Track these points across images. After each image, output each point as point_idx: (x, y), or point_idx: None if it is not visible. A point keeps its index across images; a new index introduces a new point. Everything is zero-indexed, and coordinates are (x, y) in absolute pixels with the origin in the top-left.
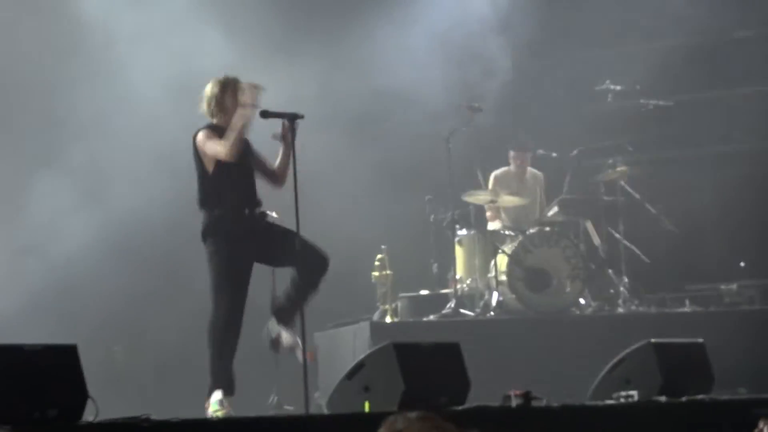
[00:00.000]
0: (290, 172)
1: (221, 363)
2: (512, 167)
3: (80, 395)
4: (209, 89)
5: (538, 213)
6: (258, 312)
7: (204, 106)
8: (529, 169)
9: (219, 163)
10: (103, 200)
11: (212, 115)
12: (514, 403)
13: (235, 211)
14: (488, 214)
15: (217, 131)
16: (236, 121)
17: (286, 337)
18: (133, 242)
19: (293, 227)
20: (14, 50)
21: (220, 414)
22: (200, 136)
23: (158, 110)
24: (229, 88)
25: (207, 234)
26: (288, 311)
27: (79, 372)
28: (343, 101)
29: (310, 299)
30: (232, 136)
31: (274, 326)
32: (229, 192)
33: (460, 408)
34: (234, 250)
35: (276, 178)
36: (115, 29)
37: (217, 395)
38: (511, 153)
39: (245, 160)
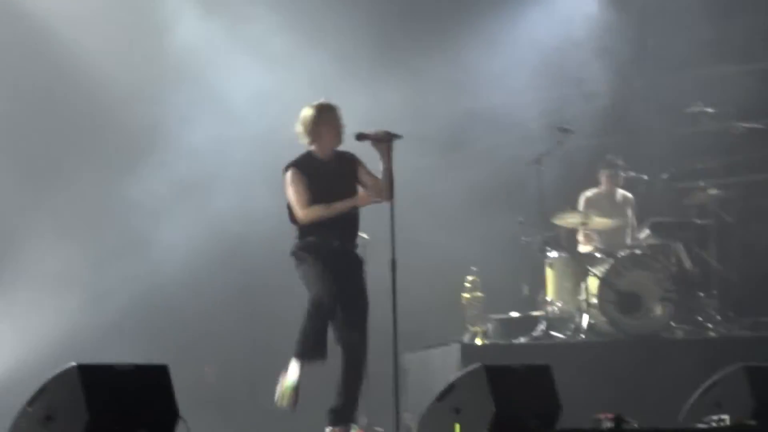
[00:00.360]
0: (394, 185)
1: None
2: (603, 188)
3: (171, 415)
4: (304, 114)
5: (630, 235)
6: None
7: (298, 130)
8: (620, 190)
9: (313, 191)
10: (196, 217)
11: (308, 142)
12: (604, 426)
13: (326, 242)
14: (580, 236)
15: (306, 166)
16: (338, 208)
17: None
18: (227, 260)
19: (387, 246)
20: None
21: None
22: (287, 176)
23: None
24: (324, 115)
25: (297, 256)
26: (341, 410)
27: (170, 392)
28: (436, 122)
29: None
30: (320, 214)
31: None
32: (321, 225)
33: (550, 431)
34: (324, 264)
35: (382, 193)
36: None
37: (295, 368)
38: (603, 173)
39: (344, 184)
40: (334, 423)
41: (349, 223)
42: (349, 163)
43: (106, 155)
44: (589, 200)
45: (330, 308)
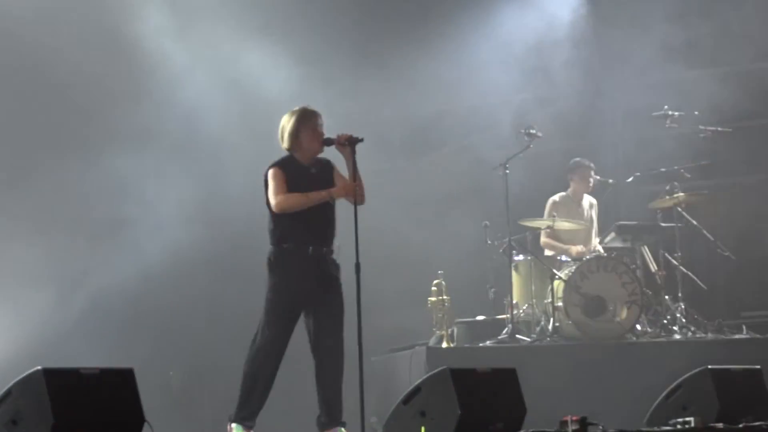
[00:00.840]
0: (363, 188)
1: (248, 394)
2: (571, 191)
3: (137, 419)
4: (285, 120)
5: (594, 239)
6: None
7: (279, 137)
8: (587, 195)
9: (291, 190)
10: (161, 223)
11: (288, 147)
12: (570, 429)
13: (301, 248)
14: (544, 240)
15: (287, 167)
16: (314, 197)
17: None
18: (195, 261)
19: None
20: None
21: None
22: (269, 173)
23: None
24: (304, 121)
25: (271, 266)
26: (327, 415)
27: (135, 395)
28: (403, 125)
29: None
30: (297, 201)
31: None
32: (297, 228)
33: None
34: (291, 288)
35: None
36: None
37: (238, 426)
38: (574, 176)
39: (322, 187)
40: (322, 428)
41: (324, 227)
42: (327, 167)
43: (75, 146)
44: (555, 205)
45: (271, 362)
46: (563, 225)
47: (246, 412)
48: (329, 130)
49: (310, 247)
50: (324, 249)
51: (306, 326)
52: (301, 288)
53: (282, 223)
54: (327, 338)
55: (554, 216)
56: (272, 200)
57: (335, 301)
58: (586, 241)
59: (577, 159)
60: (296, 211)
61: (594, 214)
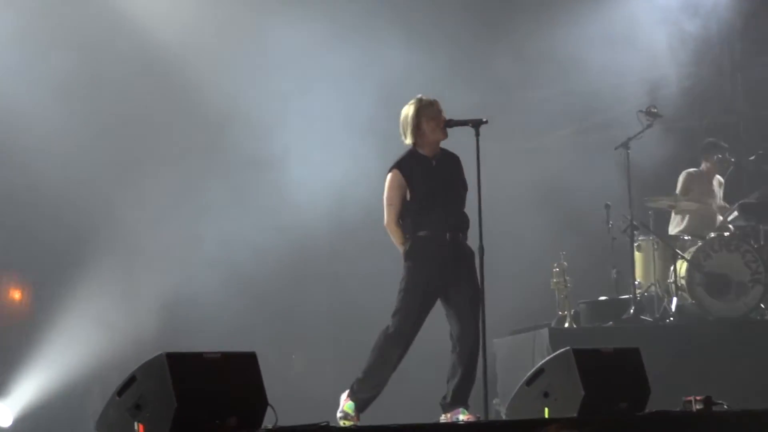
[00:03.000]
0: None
1: (371, 378)
2: (704, 169)
3: (260, 403)
4: (404, 114)
5: (719, 217)
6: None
7: (401, 132)
8: (717, 174)
9: (416, 189)
10: (280, 207)
11: (411, 141)
12: (694, 408)
13: (437, 235)
14: (677, 218)
15: (407, 166)
16: (397, 243)
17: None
18: (317, 249)
19: (477, 230)
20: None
21: (347, 423)
22: (388, 178)
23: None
24: (424, 110)
25: (407, 254)
26: (456, 393)
27: (258, 379)
28: (523, 108)
29: (468, 376)
30: (395, 237)
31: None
32: (430, 216)
33: (640, 414)
34: (426, 277)
35: None
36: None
37: (351, 404)
38: (709, 157)
39: (448, 179)
40: (446, 410)
41: (458, 214)
42: (452, 161)
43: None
44: (691, 177)
45: (406, 343)
46: (685, 205)
47: (365, 395)
48: (449, 115)
49: (447, 234)
50: (460, 235)
51: (445, 312)
52: (436, 275)
53: (414, 212)
54: (464, 321)
55: (688, 189)
56: (385, 210)
57: (471, 286)
58: (713, 220)
59: (712, 139)
60: (429, 199)
61: (721, 192)
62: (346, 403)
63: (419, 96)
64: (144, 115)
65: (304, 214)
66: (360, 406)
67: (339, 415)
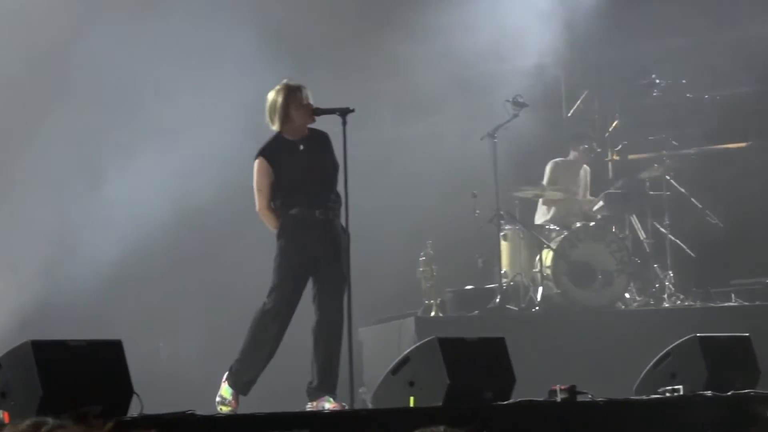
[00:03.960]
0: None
1: (249, 358)
2: (570, 159)
3: (125, 391)
4: (271, 99)
5: (584, 207)
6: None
7: (268, 118)
8: (585, 164)
9: (284, 173)
10: (145, 197)
11: (277, 125)
12: (559, 397)
13: (308, 213)
14: (543, 207)
15: (274, 152)
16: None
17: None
18: (177, 233)
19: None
20: None
21: (224, 409)
22: (255, 165)
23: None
24: (292, 95)
25: (280, 234)
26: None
27: (124, 367)
28: (389, 94)
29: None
30: (268, 222)
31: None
32: (300, 195)
33: (505, 403)
34: (299, 254)
35: None
36: None
37: (228, 388)
38: (576, 146)
39: (317, 160)
40: (312, 398)
41: (329, 193)
42: (320, 140)
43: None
44: (557, 166)
45: (282, 320)
46: (552, 195)
47: (245, 377)
48: (318, 103)
49: (317, 212)
50: (330, 213)
51: (312, 292)
52: (309, 252)
53: (283, 195)
54: (330, 303)
55: (554, 178)
56: (255, 197)
57: (338, 268)
58: (578, 209)
59: (580, 129)
60: (298, 181)
61: (588, 181)
62: (223, 387)
63: (285, 82)
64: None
65: (171, 197)
66: (240, 389)
67: (217, 400)
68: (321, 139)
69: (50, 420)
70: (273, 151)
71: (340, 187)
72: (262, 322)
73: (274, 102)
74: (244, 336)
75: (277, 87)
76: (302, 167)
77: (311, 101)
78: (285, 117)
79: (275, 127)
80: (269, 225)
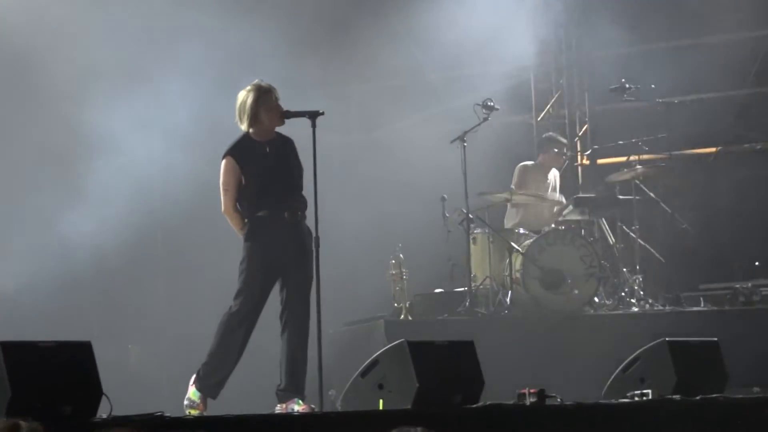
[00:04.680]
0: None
1: (216, 360)
2: (539, 162)
3: (95, 392)
4: (241, 99)
5: (554, 211)
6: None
7: (237, 117)
8: (554, 168)
9: (251, 174)
10: (115, 195)
11: (245, 125)
12: (528, 401)
13: (275, 215)
14: (512, 211)
15: (241, 152)
16: (237, 230)
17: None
18: (145, 236)
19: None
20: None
21: (192, 412)
22: (222, 164)
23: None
24: (262, 96)
25: (247, 236)
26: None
27: (93, 369)
28: (359, 97)
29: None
30: (234, 224)
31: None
32: (267, 197)
33: (474, 406)
34: (266, 256)
35: None
36: None
37: (195, 391)
38: (547, 151)
39: (283, 162)
40: (281, 400)
41: (295, 195)
42: (286, 145)
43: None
44: (526, 170)
45: (249, 323)
46: (521, 198)
47: (212, 380)
48: (289, 106)
49: (285, 213)
50: (298, 214)
51: (279, 294)
52: (276, 254)
53: (250, 196)
54: (297, 305)
55: (523, 182)
56: (222, 197)
57: (305, 271)
58: (548, 213)
59: (551, 133)
60: (264, 182)
61: (557, 185)
62: (191, 390)
63: (257, 82)
64: None
65: (138, 200)
66: (208, 392)
67: (185, 403)
68: (286, 143)
69: (23, 423)
70: (240, 151)
71: (309, 190)
72: (229, 325)
73: (244, 102)
74: (211, 339)
75: (248, 87)
76: (269, 169)
77: (280, 104)
78: (254, 118)
79: (243, 127)
80: (234, 226)
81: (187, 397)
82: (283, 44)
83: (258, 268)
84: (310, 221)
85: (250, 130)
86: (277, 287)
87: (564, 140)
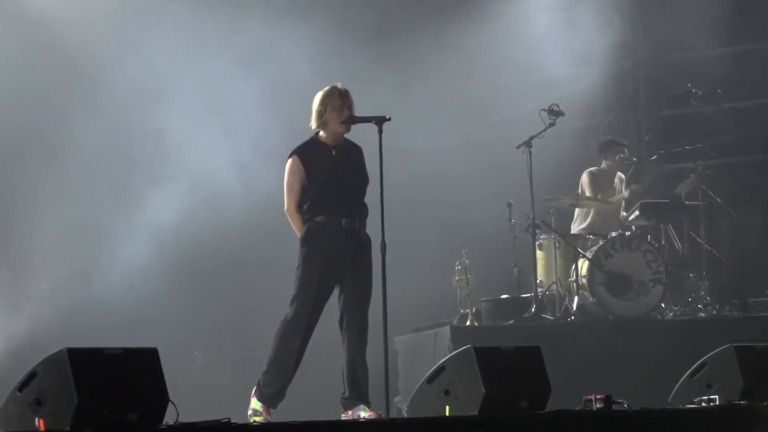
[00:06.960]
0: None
1: (274, 369)
2: (604, 168)
3: (161, 399)
4: (317, 97)
5: (620, 217)
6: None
7: (312, 113)
8: (619, 172)
9: (315, 176)
10: (179, 206)
11: (314, 123)
12: (595, 407)
13: (333, 221)
14: (579, 216)
15: (307, 152)
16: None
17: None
18: (215, 242)
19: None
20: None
21: (257, 419)
22: (287, 164)
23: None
24: (331, 99)
25: (304, 241)
26: (353, 389)
27: (159, 375)
28: (426, 103)
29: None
30: (295, 222)
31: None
32: (328, 202)
33: (540, 412)
34: (321, 262)
35: None
36: None
37: (257, 401)
38: (609, 155)
39: (348, 168)
40: (347, 407)
41: (356, 202)
42: (354, 153)
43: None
44: (594, 176)
45: (306, 329)
46: (590, 204)
47: (272, 389)
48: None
49: (344, 220)
50: (357, 222)
51: (338, 301)
52: (332, 260)
53: (312, 198)
54: (357, 312)
55: (590, 188)
56: (285, 196)
57: (363, 277)
58: (615, 218)
59: (610, 137)
60: (322, 187)
61: (624, 189)
62: (253, 401)
63: (336, 84)
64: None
65: (205, 206)
66: (269, 401)
67: (249, 413)
68: (355, 150)
69: None
70: (307, 152)
71: (375, 196)
72: (285, 333)
73: (317, 102)
74: (269, 346)
75: (326, 88)
76: (333, 172)
77: (353, 109)
78: (320, 117)
79: (312, 125)
80: (295, 227)
81: (250, 407)
82: (348, 49)
83: (312, 275)
84: (376, 226)
85: (320, 132)
86: (335, 294)
87: (624, 142)
